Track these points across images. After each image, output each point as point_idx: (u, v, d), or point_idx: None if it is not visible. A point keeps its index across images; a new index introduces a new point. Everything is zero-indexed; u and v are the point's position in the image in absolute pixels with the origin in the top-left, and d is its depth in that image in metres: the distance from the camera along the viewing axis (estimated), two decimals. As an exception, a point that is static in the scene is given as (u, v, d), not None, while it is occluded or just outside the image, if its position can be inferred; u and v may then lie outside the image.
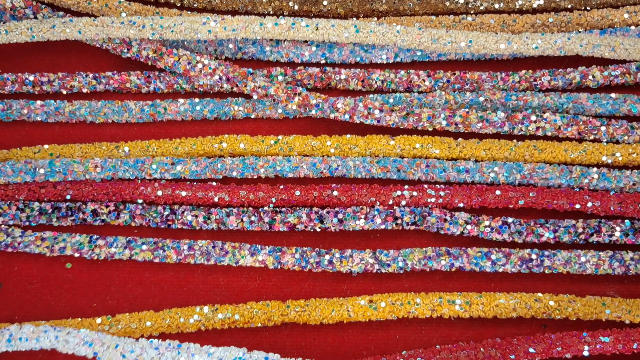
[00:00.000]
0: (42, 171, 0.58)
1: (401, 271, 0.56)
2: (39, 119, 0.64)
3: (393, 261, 0.56)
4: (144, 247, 0.58)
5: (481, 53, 0.62)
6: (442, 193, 0.58)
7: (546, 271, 0.56)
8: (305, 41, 0.65)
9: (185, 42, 0.65)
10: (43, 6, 0.65)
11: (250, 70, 0.62)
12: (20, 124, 0.65)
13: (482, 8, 0.66)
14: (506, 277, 0.58)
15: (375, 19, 0.65)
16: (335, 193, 0.58)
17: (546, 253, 0.56)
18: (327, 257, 0.57)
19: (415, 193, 0.58)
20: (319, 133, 0.63)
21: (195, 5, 0.67)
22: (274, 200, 0.58)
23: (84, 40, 0.64)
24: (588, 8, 0.66)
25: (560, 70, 0.63)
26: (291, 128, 0.64)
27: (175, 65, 0.62)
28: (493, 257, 0.56)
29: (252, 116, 0.64)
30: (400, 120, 0.60)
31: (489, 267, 0.56)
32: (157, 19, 0.61)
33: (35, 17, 0.64)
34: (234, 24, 0.61)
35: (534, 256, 0.56)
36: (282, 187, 0.59)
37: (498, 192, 0.58)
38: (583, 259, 0.56)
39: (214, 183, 0.60)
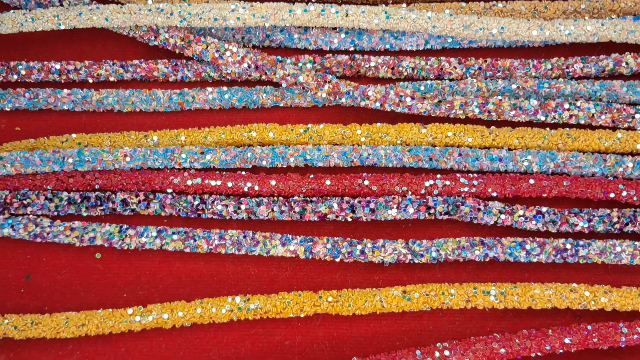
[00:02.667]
0: (70, 160, 0.58)
1: (434, 261, 0.56)
2: (65, 107, 0.63)
3: (426, 251, 0.56)
4: (175, 236, 0.57)
5: (513, 40, 0.61)
6: (475, 182, 0.57)
7: (581, 261, 0.55)
8: (334, 28, 0.64)
9: (213, 30, 0.64)
10: (68, -7, 0.64)
11: (279, 57, 0.62)
12: (47, 113, 0.64)
13: (513, -6, 0.65)
14: (540, 267, 0.57)
15: (405, 5, 0.64)
16: (366, 182, 0.57)
17: (581, 243, 0.55)
18: (359, 247, 0.56)
19: (447, 182, 0.57)
20: (349, 121, 0.63)
21: (222, -5, 0.66)
22: (304, 189, 0.58)
23: (110, 28, 0.63)
24: (621, -6, 0.65)
25: (592, 57, 0.62)
26: (320, 116, 0.63)
27: (203, 53, 0.61)
28: (527, 247, 0.55)
29: (281, 104, 0.63)
30: (432, 108, 0.59)
31: (523, 257, 0.55)
32: (185, 6, 0.60)
33: (61, 4, 0.63)
34: (262, 10, 0.60)
35: (568, 246, 0.55)
36: (312, 176, 0.58)
37: (532, 181, 0.57)
38: (618, 249, 0.55)
39: (243, 172, 0.59)
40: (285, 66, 0.60)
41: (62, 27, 0.61)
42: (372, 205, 0.57)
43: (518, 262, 0.57)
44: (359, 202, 0.57)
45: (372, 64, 0.63)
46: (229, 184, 0.58)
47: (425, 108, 0.59)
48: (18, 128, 0.63)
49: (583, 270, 0.57)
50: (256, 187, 0.58)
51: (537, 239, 0.56)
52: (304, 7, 0.60)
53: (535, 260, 0.55)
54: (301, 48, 0.65)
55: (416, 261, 0.56)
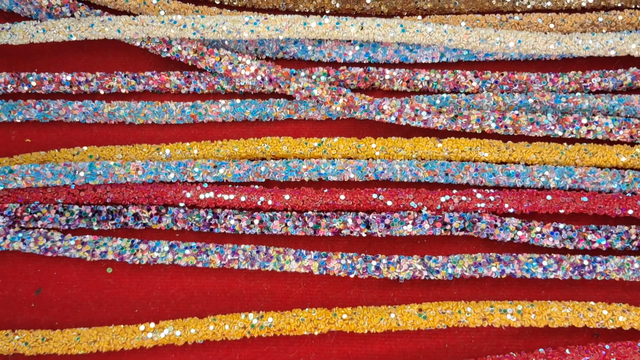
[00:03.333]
0: (82, 174, 0.57)
1: (450, 278, 0.55)
2: (76, 119, 0.62)
3: (442, 267, 0.55)
4: (187, 251, 0.56)
5: (530, 53, 0.61)
6: (491, 198, 0.57)
7: (598, 278, 0.55)
8: (349, 40, 0.63)
9: (226, 42, 0.63)
10: (80, 4, 0.63)
11: (293, 70, 0.61)
12: (58, 125, 0.63)
13: (529, 6, 0.64)
14: (557, 284, 0.57)
15: (420, 17, 0.63)
16: (381, 197, 0.57)
17: (598, 259, 0.55)
18: (374, 263, 0.55)
19: (464, 198, 0.56)
20: (363, 134, 0.62)
21: (235, 3, 0.65)
22: (318, 204, 0.57)
23: (122, 40, 0.62)
24: (639, 6, 0.64)
25: (610, 71, 0.61)
26: (334, 129, 0.63)
27: (216, 65, 0.60)
28: (544, 263, 0.55)
29: (294, 117, 0.62)
30: (448, 123, 0.58)
31: (540, 273, 0.55)
32: (199, 18, 0.59)
33: (72, 15, 0.62)
34: (277, 23, 0.59)
35: (585, 262, 0.55)
36: (326, 190, 0.58)
37: (549, 197, 0.56)
38: (637, 266, 0.55)
39: (256, 186, 0.58)
40: (300, 79, 0.60)
41: (74, 39, 0.60)
42: (387, 221, 0.56)
43: (535, 278, 0.56)
44: (374, 217, 0.56)
45: (387, 76, 0.62)
46: (242, 198, 0.57)
47: (442, 122, 0.58)
48: (28, 139, 0.63)
49: (600, 288, 0.57)
50: (269, 202, 0.57)
51: (554, 256, 0.55)
52: (319, 20, 0.59)
53: (552, 276, 0.55)
54: (315, 60, 0.64)
55: (432, 277, 0.55)
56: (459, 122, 0.58)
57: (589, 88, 0.61)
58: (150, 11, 0.63)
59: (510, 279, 0.57)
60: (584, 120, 0.58)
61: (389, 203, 0.57)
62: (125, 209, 0.58)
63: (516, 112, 0.58)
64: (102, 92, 0.63)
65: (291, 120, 0.63)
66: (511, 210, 0.56)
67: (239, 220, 0.57)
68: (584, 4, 0.64)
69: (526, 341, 0.55)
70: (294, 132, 0.62)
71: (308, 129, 0.63)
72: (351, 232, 0.56)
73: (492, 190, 0.57)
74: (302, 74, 0.61)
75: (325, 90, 0.59)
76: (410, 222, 0.56)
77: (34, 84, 0.62)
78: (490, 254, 0.56)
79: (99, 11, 0.63)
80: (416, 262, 0.55)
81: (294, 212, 0.57)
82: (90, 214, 0.58)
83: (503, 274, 0.55)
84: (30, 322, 0.57)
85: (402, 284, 0.57)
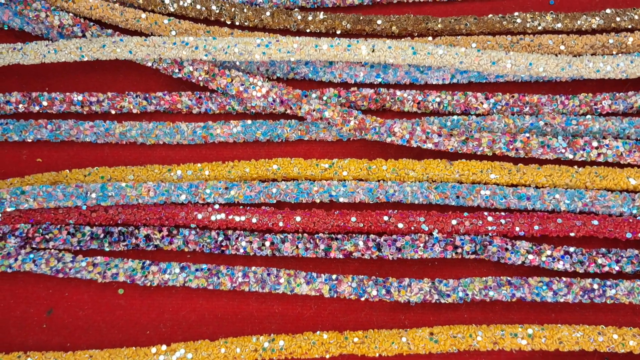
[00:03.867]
0: (93, 195, 0.57)
1: (461, 301, 0.55)
2: (88, 139, 0.62)
3: (453, 291, 0.55)
4: (198, 273, 0.57)
5: (541, 76, 0.61)
6: (502, 221, 0.57)
7: (608, 301, 0.55)
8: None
9: (237, 62, 0.63)
10: (91, 24, 0.63)
11: (305, 92, 0.61)
12: (69, 145, 0.63)
13: (540, 28, 0.64)
14: (567, 308, 0.57)
15: (431, 38, 0.64)
16: (392, 220, 0.57)
17: (608, 283, 0.55)
18: (385, 286, 0.56)
19: (475, 221, 0.57)
20: (373, 155, 0.62)
21: (246, 24, 0.65)
22: (329, 226, 0.57)
23: (134, 60, 0.62)
24: (649, 28, 0.64)
25: (621, 94, 0.61)
26: (345, 150, 0.63)
27: (228, 86, 0.60)
28: (555, 287, 0.55)
29: (305, 138, 0.62)
30: (459, 145, 0.58)
31: (550, 297, 0.55)
32: (211, 40, 0.59)
33: (84, 35, 0.62)
34: (288, 45, 0.59)
35: (595, 286, 0.55)
36: (337, 212, 0.58)
37: (559, 220, 0.56)
38: (646, 289, 0.55)
39: (267, 208, 0.58)
40: (311, 101, 0.60)
41: (85, 59, 0.60)
42: (398, 244, 0.56)
43: (545, 301, 0.56)
44: (385, 240, 0.56)
45: (398, 98, 0.62)
46: (254, 220, 0.58)
47: (453, 145, 0.58)
48: (39, 159, 0.63)
49: (610, 311, 0.57)
50: (281, 223, 0.57)
51: (564, 279, 0.55)
52: (330, 42, 0.59)
53: (562, 300, 0.55)
54: (326, 81, 0.64)
55: (442, 301, 0.55)
56: (470, 144, 0.58)
57: (599, 110, 0.61)
58: (162, 31, 0.63)
59: (520, 302, 0.57)
60: (595, 144, 0.58)
61: (400, 225, 0.57)
62: (136, 230, 0.58)
63: (527, 134, 0.58)
64: (113, 112, 0.63)
65: (302, 141, 0.63)
66: (522, 233, 0.56)
67: (250, 242, 0.57)
68: (594, 26, 0.64)
69: (537, 365, 0.55)
70: (305, 152, 0.62)
71: (319, 149, 0.63)
72: (362, 254, 0.56)
73: (503, 213, 0.57)
74: (313, 95, 0.62)
75: (337, 112, 0.59)
76: (422, 245, 0.56)
77: (45, 103, 0.62)
78: (501, 277, 0.56)
79: (110, 31, 0.63)
80: (427, 286, 0.55)
81: (305, 234, 0.58)
82: (102, 235, 0.58)
83: (513, 298, 0.55)
84: (42, 343, 0.57)
85: (413, 307, 0.57)
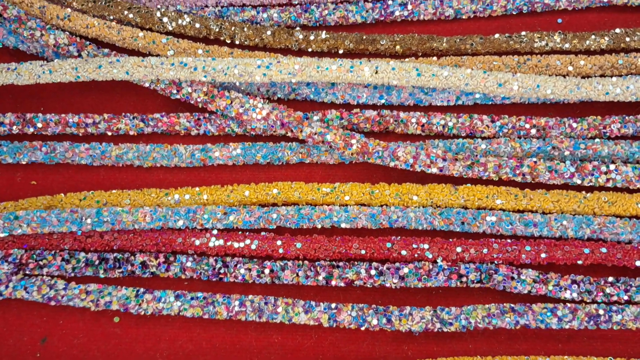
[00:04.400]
0: (88, 221, 0.56)
1: (464, 330, 0.53)
2: (83, 162, 0.61)
3: (455, 319, 0.54)
4: (194, 302, 0.55)
5: (548, 98, 0.59)
6: (508, 248, 0.55)
7: (615, 327, 0.53)
8: (362, 82, 0.62)
9: (237, 83, 0.62)
10: (87, 43, 0.62)
11: (306, 114, 0.59)
12: (64, 167, 0.62)
13: (547, 48, 0.62)
14: (574, 337, 0.55)
15: (435, 58, 0.62)
16: (395, 247, 0.55)
17: (614, 308, 0.53)
18: (386, 315, 0.54)
19: (480, 248, 0.55)
20: (376, 179, 0.61)
21: (246, 43, 0.64)
22: (330, 252, 0.56)
23: (131, 81, 0.61)
24: (659, 49, 0.63)
25: (631, 117, 0.59)
26: (347, 173, 0.61)
27: (227, 108, 0.59)
28: (559, 313, 0.53)
29: (306, 161, 0.61)
30: (464, 170, 0.57)
31: (554, 324, 0.53)
32: (210, 61, 0.58)
33: (80, 55, 0.61)
34: (289, 67, 0.58)
35: (601, 312, 0.53)
36: (339, 239, 0.56)
37: (567, 248, 0.55)
38: (654, 315, 0.53)
39: (265, 234, 0.57)
40: (312, 124, 0.58)
41: (81, 80, 0.59)
42: (401, 273, 0.54)
43: (551, 330, 0.55)
44: (388, 268, 0.55)
45: (402, 120, 0.60)
46: (253, 246, 0.56)
47: (458, 170, 0.57)
48: (34, 182, 0.62)
49: (619, 341, 0.55)
50: (280, 250, 0.56)
51: (569, 305, 0.54)
52: (333, 63, 0.58)
53: (567, 326, 0.53)
54: (328, 102, 0.63)
55: (445, 330, 0.53)
56: (476, 169, 0.57)
57: (608, 134, 0.59)
58: (160, 50, 0.62)
59: (526, 331, 0.55)
60: (604, 169, 0.56)
61: (404, 252, 0.55)
62: (132, 257, 0.57)
63: (534, 159, 0.57)
64: (109, 133, 0.62)
65: (303, 164, 0.62)
66: (528, 261, 0.55)
67: (249, 270, 0.56)
68: (603, 46, 0.62)
69: (543, 397, 0.54)
70: (306, 176, 0.61)
71: (320, 172, 0.61)
72: (364, 283, 0.55)
73: (509, 241, 0.56)
74: (315, 117, 0.60)
75: (339, 136, 0.58)
76: (425, 274, 0.54)
77: (39, 125, 0.61)
78: (504, 304, 0.54)
79: (106, 50, 0.61)
80: (429, 314, 0.54)
81: (306, 262, 0.56)
82: (97, 262, 0.56)
83: (517, 325, 0.53)
84: (36, 373, 0.55)
85: (417, 337, 0.56)
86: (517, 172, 0.57)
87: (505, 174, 0.57)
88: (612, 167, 0.56)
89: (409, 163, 0.57)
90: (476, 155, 0.58)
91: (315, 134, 0.58)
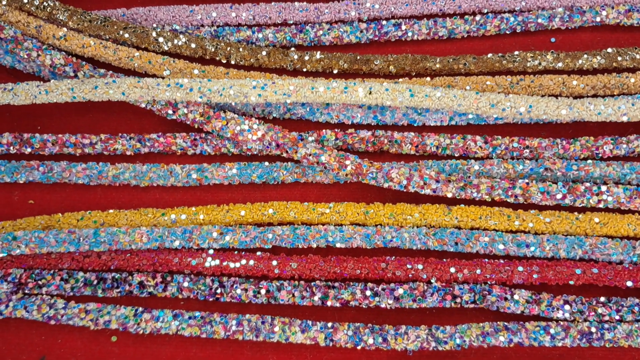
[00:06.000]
0: (86, 241, 0.56)
1: (458, 348, 0.54)
2: (80, 181, 0.61)
3: (450, 338, 0.54)
4: (191, 321, 0.56)
5: (541, 118, 0.60)
6: (501, 269, 0.56)
7: (607, 345, 0.54)
8: (357, 102, 0.63)
9: (233, 103, 0.62)
10: (83, 63, 0.62)
11: (301, 135, 0.60)
12: (61, 186, 0.62)
13: (540, 67, 0.63)
14: (567, 354, 0.56)
15: (429, 78, 0.62)
16: (390, 267, 0.56)
17: (606, 326, 0.54)
18: (381, 334, 0.55)
19: (473, 268, 0.56)
20: (371, 198, 0.61)
21: (242, 63, 0.64)
22: (326, 272, 0.56)
23: (127, 101, 0.61)
24: (652, 68, 0.63)
25: (623, 138, 0.60)
26: (342, 193, 0.62)
27: (223, 129, 0.59)
28: (552, 331, 0.54)
29: (302, 181, 0.61)
30: (457, 192, 0.57)
31: (547, 341, 0.54)
32: (205, 82, 0.58)
33: (76, 75, 0.61)
34: (284, 88, 0.58)
35: (593, 329, 0.54)
36: (334, 258, 0.57)
37: (559, 268, 0.56)
38: (645, 332, 0.54)
39: (260, 253, 0.58)
40: (307, 145, 0.59)
41: (77, 100, 0.59)
42: (396, 294, 0.55)
43: (544, 348, 0.56)
44: (383, 289, 0.56)
45: (395, 140, 0.61)
46: (249, 266, 0.57)
47: (451, 191, 0.57)
48: (31, 201, 0.62)
49: (611, 359, 0.56)
50: (276, 270, 0.57)
51: (562, 323, 0.55)
52: (327, 84, 0.58)
53: (560, 344, 0.54)
54: (323, 122, 0.63)
55: (440, 348, 0.54)
56: (469, 191, 0.57)
57: (600, 155, 0.60)
58: (156, 70, 0.62)
59: (519, 349, 0.56)
60: (595, 190, 0.57)
61: (399, 273, 0.56)
62: (130, 277, 0.57)
63: (526, 181, 0.57)
64: (106, 153, 0.62)
65: (298, 183, 0.62)
66: (520, 281, 0.56)
67: (246, 290, 0.56)
68: (595, 66, 0.63)
69: (535, 416, 0.55)
70: (301, 195, 0.62)
71: (315, 191, 0.62)
72: (359, 303, 0.56)
73: (502, 261, 0.56)
74: (310, 139, 0.61)
75: (333, 157, 0.58)
76: (420, 295, 0.55)
77: (37, 145, 0.61)
78: (498, 323, 0.55)
79: (102, 71, 0.62)
80: (424, 333, 0.55)
81: (302, 282, 0.57)
82: (95, 282, 0.57)
83: (511, 343, 0.54)
84: (34, 392, 0.56)
85: (411, 356, 0.56)
86: (510, 193, 0.57)
87: (497, 195, 0.57)
88: (603, 188, 0.57)
89: (402, 184, 0.58)
90: (469, 177, 0.59)
91: (310, 155, 0.59)
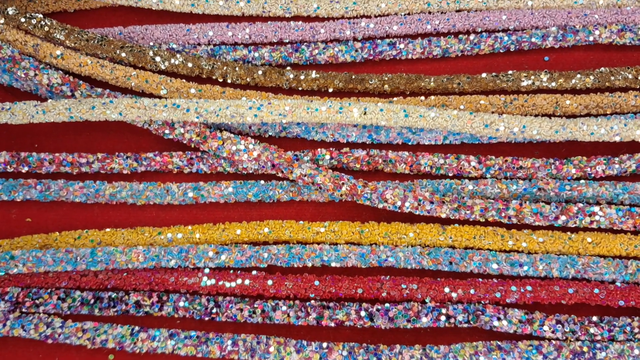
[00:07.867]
0: (83, 261, 0.57)
1: (452, 368, 0.55)
2: (78, 200, 0.62)
3: (444, 358, 0.55)
4: (187, 341, 0.56)
5: (534, 138, 0.60)
6: (495, 288, 0.56)
7: (599, 364, 0.55)
8: (352, 121, 0.63)
9: (229, 122, 0.63)
10: (81, 82, 0.62)
11: (296, 155, 0.61)
12: (59, 205, 0.63)
13: (534, 87, 0.63)
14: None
15: (423, 97, 0.63)
16: (385, 287, 0.57)
17: (598, 346, 0.55)
18: (376, 354, 0.55)
19: (467, 288, 0.56)
20: (366, 217, 0.62)
21: (238, 82, 0.64)
22: (321, 292, 0.57)
23: (124, 121, 0.62)
24: (644, 88, 0.64)
25: (615, 158, 0.61)
26: (337, 211, 0.62)
27: (219, 149, 0.60)
28: (544, 350, 0.55)
29: (297, 199, 0.62)
30: (451, 212, 0.58)
31: (540, 361, 0.55)
32: (202, 102, 0.59)
33: (73, 95, 0.62)
34: (280, 108, 0.59)
35: (585, 349, 0.55)
36: (329, 278, 0.57)
37: (551, 288, 0.56)
38: (637, 352, 0.54)
39: (256, 272, 0.58)
40: (302, 165, 0.59)
41: (74, 120, 0.60)
42: (390, 314, 0.56)
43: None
44: (378, 310, 0.56)
45: (390, 160, 0.62)
46: (244, 286, 0.57)
47: (445, 212, 0.58)
48: (29, 219, 0.62)
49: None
50: (272, 290, 0.57)
51: (554, 342, 0.55)
52: (322, 104, 0.59)
53: (552, 364, 0.55)
54: (318, 140, 0.64)
55: (434, 368, 0.55)
56: (462, 212, 0.58)
57: (593, 175, 0.61)
58: (153, 90, 0.62)
59: (512, 368, 0.57)
60: (588, 211, 0.57)
61: (393, 293, 0.57)
62: (126, 296, 0.58)
63: (519, 201, 0.58)
64: (103, 172, 0.62)
65: (294, 202, 0.63)
66: (514, 300, 0.56)
67: (241, 310, 0.57)
68: (588, 85, 0.63)
69: None
70: (297, 213, 0.62)
71: (311, 210, 0.62)
72: (354, 324, 0.56)
73: (495, 280, 0.57)
74: (305, 159, 0.61)
75: (328, 178, 0.59)
76: (414, 315, 0.56)
77: (34, 164, 0.62)
78: (491, 342, 0.56)
79: (100, 90, 0.62)
80: (418, 353, 0.55)
81: (297, 302, 0.57)
82: (92, 301, 0.57)
83: (504, 363, 0.55)
84: (31, 411, 0.56)
85: (405, 375, 0.57)
86: (503, 214, 0.58)
87: (491, 216, 0.58)
88: (596, 209, 0.58)
89: (397, 205, 0.58)
90: (463, 197, 0.59)
91: (305, 175, 0.59)
